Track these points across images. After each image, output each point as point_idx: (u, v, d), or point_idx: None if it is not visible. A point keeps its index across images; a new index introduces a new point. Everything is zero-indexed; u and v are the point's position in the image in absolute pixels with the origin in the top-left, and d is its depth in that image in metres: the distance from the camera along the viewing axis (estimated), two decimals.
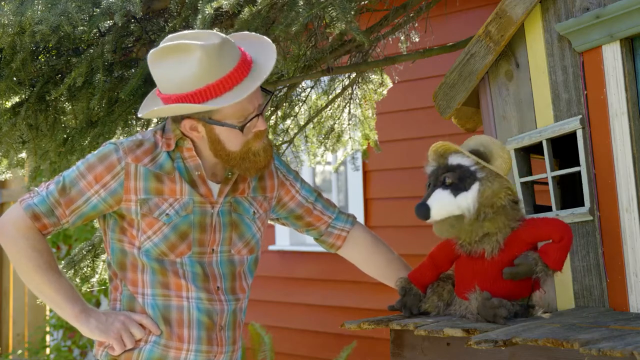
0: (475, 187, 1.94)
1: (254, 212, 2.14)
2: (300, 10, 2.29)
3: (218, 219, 2.07)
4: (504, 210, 1.96)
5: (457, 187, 1.95)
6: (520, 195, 2.28)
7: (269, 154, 2.06)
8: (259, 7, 2.28)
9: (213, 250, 2.07)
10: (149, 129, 2.78)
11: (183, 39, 1.93)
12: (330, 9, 2.27)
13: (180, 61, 1.90)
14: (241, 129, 1.97)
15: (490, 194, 1.94)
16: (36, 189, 2.05)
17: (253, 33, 2.13)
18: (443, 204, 1.95)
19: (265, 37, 2.07)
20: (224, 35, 1.97)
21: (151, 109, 1.98)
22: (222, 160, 2.04)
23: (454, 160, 1.98)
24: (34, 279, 2.02)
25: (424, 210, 1.95)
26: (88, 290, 3.03)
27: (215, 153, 2.03)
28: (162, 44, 1.95)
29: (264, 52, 2.01)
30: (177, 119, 2.02)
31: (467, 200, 1.94)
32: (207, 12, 2.21)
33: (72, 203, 2.01)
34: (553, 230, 1.95)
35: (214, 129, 1.99)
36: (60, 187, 2.02)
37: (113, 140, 2.08)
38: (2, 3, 2.49)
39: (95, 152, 2.05)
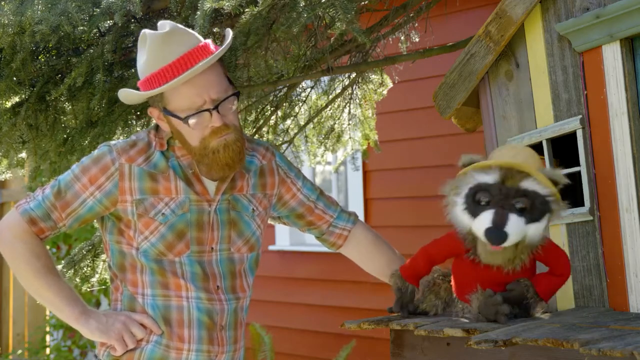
0: (546, 218, 1.87)
1: (253, 209, 2.14)
2: (301, 10, 2.28)
3: (216, 217, 2.07)
4: None
5: (531, 216, 1.85)
6: None
7: (231, 150, 1.98)
8: (260, 8, 2.28)
9: (212, 248, 2.07)
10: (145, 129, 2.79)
11: (144, 30, 2.00)
12: (331, 9, 2.26)
13: (140, 50, 1.99)
14: (185, 121, 1.96)
15: (546, 226, 1.89)
16: (32, 193, 2.06)
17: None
18: (518, 232, 1.84)
19: (229, 29, 2.07)
20: (179, 25, 1.98)
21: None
22: (189, 155, 2.04)
23: (528, 185, 1.87)
24: (33, 284, 2.02)
25: (501, 237, 1.83)
26: (88, 290, 3.03)
27: (182, 146, 2.03)
28: None
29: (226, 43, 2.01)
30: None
31: (537, 230, 1.86)
32: (207, 6, 2.21)
33: (68, 206, 2.02)
34: (559, 264, 1.95)
35: (171, 120, 2.00)
36: (56, 190, 2.02)
37: (107, 142, 2.09)
38: (2, 3, 2.48)
39: (90, 154, 2.06)
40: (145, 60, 1.96)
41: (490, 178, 1.89)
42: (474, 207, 1.89)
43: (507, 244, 1.84)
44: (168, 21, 1.99)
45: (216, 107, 1.95)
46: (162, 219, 2.02)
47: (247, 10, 2.30)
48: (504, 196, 1.86)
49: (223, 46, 1.98)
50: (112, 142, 2.07)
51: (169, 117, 1.99)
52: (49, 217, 2.02)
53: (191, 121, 1.95)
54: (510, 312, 1.89)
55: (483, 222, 1.85)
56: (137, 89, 2.03)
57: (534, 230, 1.86)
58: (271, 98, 3.20)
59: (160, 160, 2.04)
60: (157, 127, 2.10)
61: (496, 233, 1.83)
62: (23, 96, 2.62)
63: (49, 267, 2.03)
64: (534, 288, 1.93)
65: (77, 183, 2.02)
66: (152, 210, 2.01)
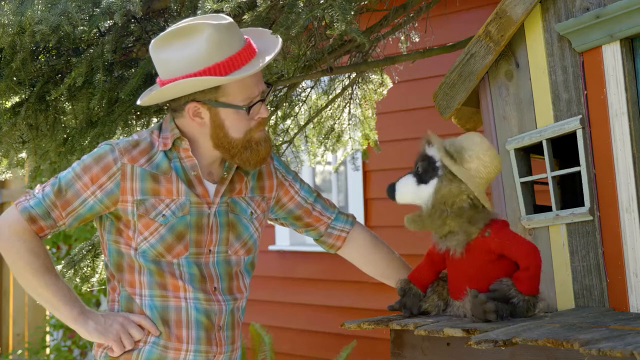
0: (433, 182, 1.98)
1: (251, 212, 2.14)
2: (300, 11, 2.29)
3: (215, 220, 2.07)
4: (464, 212, 1.96)
5: (421, 178, 2.00)
6: (520, 195, 2.28)
7: (269, 144, 2.06)
8: (260, 10, 2.29)
9: (210, 250, 2.07)
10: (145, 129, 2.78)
11: (190, 22, 1.97)
12: (329, 10, 2.27)
13: (188, 41, 1.94)
14: (248, 109, 1.98)
15: (447, 194, 1.95)
16: (32, 191, 2.05)
17: (255, 28, 2.14)
18: (407, 190, 2.04)
19: (266, 29, 2.11)
20: (230, 18, 2.00)
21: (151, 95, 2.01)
22: (223, 150, 2.03)
23: (429, 150, 2.02)
24: (31, 282, 2.01)
25: (390, 191, 2.08)
26: (88, 290, 3.03)
27: (217, 141, 2.02)
28: (166, 31, 1.99)
29: (267, 41, 2.06)
30: (179, 108, 2.02)
31: (424, 193, 2.00)
32: (208, 7, 2.22)
33: (69, 205, 2.01)
34: (520, 256, 1.95)
35: (219, 113, 1.99)
36: (56, 189, 2.01)
37: (109, 140, 2.07)
38: (2, 3, 2.48)
39: (91, 153, 2.04)
40: (206, 49, 1.92)
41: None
42: None
43: (397, 198, 2.07)
44: (220, 14, 2.02)
45: (264, 99, 2.02)
46: (163, 220, 2.01)
47: (246, 15, 2.31)
48: (415, 163, 2.06)
49: (279, 44, 2.04)
50: (115, 141, 2.05)
51: (216, 110, 1.98)
52: (48, 215, 2.00)
53: (252, 110, 1.99)
54: (498, 309, 1.89)
55: None
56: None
57: (422, 191, 2.01)
58: (271, 98, 3.20)
59: (162, 161, 2.04)
60: (160, 127, 2.09)
61: (388, 188, 2.09)
62: (23, 96, 2.62)
63: (48, 266, 2.02)
64: (515, 287, 1.93)
65: (78, 182, 2.01)
66: (153, 212, 2.01)
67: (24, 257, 2.00)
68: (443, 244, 2.01)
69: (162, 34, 1.99)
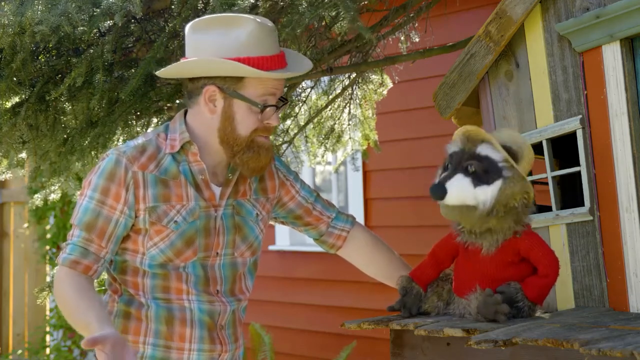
0: (498, 183, 1.89)
1: (256, 214, 2.14)
2: (304, 12, 2.29)
3: (222, 223, 2.07)
4: (514, 212, 1.92)
5: (480, 178, 1.89)
6: None
7: (270, 155, 2.07)
8: (261, 12, 2.30)
9: (217, 253, 2.07)
10: (149, 130, 2.78)
11: (235, 14, 2.03)
12: (333, 9, 2.27)
13: (228, 29, 1.97)
14: (262, 108, 1.99)
15: (510, 194, 1.90)
16: (63, 243, 2.03)
17: (291, 49, 2.20)
18: (461, 191, 1.89)
19: (302, 55, 2.17)
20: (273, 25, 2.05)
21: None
22: (226, 147, 2.03)
23: (483, 149, 1.92)
24: (77, 323, 1.92)
25: (440, 192, 1.89)
26: None
27: (224, 135, 2.02)
28: (208, 15, 2.04)
29: (297, 60, 2.10)
30: (196, 91, 2.02)
31: (485, 194, 1.89)
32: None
33: (104, 232, 1.98)
34: (544, 262, 1.95)
35: (233, 104, 1.99)
36: (85, 226, 1.98)
37: (113, 149, 2.04)
38: (2, 3, 2.48)
39: (100, 171, 2.00)
40: (242, 41, 1.95)
41: (455, 146, 1.96)
42: (441, 172, 1.96)
43: (447, 200, 1.89)
44: (264, 18, 2.06)
45: (280, 107, 2.04)
46: (175, 227, 2.01)
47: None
48: (459, 160, 1.92)
49: (309, 66, 2.09)
50: (121, 149, 2.03)
51: (231, 100, 1.99)
52: (87, 252, 1.97)
53: (267, 110, 2.01)
54: (509, 312, 1.89)
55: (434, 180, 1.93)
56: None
57: (482, 193, 1.89)
58: None
59: (171, 165, 2.03)
60: (166, 129, 2.09)
61: (436, 187, 1.90)
62: (23, 96, 2.61)
63: (83, 306, 1.90)
64: (523, 292, 1.93)
65: (104, 207, 1.98)
66: (165, 218, 2.00)
67: (67, 301, 1.94)
68: (474, 239, 1.96)
69: (203, 17, 2.03)
